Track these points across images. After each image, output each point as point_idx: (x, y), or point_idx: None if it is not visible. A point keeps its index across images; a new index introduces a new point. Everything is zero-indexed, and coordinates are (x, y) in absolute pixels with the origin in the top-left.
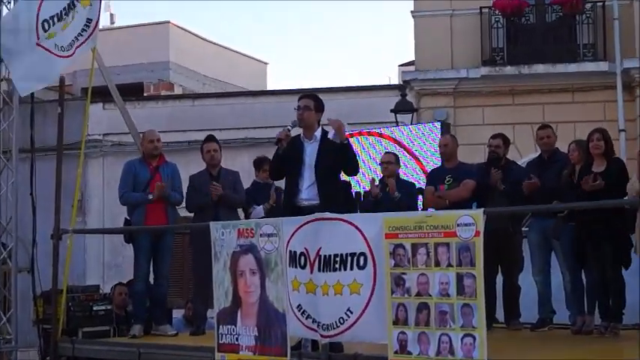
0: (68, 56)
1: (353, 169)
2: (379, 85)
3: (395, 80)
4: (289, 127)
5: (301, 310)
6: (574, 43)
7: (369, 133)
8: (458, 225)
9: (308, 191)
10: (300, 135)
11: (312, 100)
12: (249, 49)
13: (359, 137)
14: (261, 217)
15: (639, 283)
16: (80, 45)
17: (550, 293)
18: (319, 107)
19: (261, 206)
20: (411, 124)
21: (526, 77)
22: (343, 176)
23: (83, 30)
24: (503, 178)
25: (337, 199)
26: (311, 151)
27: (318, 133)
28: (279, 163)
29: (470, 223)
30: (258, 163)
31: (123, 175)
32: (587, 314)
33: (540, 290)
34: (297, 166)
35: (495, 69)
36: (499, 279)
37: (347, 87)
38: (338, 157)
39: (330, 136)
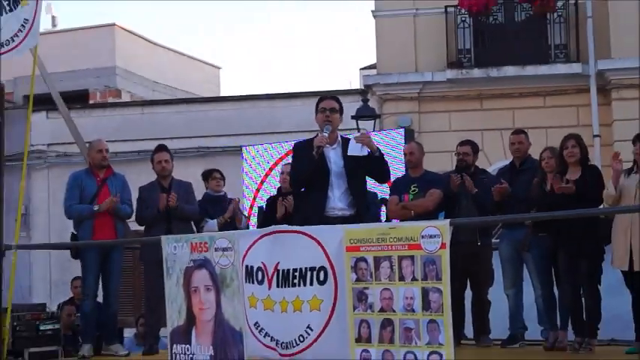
0: None
1: (387, 176)
2: (339, 90)
3: (356, 84)
4: (326, 133)
5: (259, 328)
6: (545, 43)
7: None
8: (422, 237)
9: (340, 200)
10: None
11: (336, 101)
12: (201, 53)
13: None
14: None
15: (615, 296)
16: (15, 47)
17: (522, 308)
18: (342, 109)
19: (214, 220)
20: (374, 131)
21: (495, 80)
22: None
23: (19, 31)
24: (474, 186)
25: (369, 208)
26: (335, 156)
27: (338, 137)
28: (310, 172)
29: (435, 235)
30: (207, 175)
31: (68, 188)
32: (560, 329)
33: (511, 305)
34: (324, 175)
35: (462, 72)
36: (468, 293)
37: (305, 92)
38: (362, 162)
39: (356, 152)
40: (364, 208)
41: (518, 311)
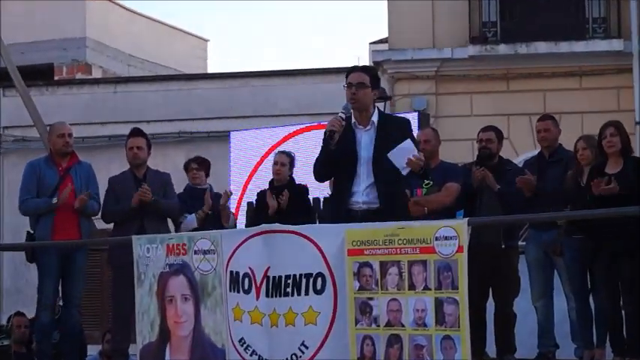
0: None
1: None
2: (345, 68)
3: (365, 61)
4: (342, 114)
5: (244, 345)
6: (582, 16)
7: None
8: (437, 238)
9: (367, 193)
10: (351, 120)
11: (366, 73)
12: (186, 23)
13: (318, 131)
14: (194, 229)
15: None
16: None
17: (552, 322)
18: (376, 82)
19: (193, 215)
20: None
21: (524, 58)
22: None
23: None
24: (497, 179)
25: (401, 202)
26: (367, 141)
27: (375, 117)
28: (331, 161)
29: (451, 237)
30: (187, 165)
31: (24, 179)
32: (596, 347)
33: (540, 319)
34: (351, 162)
35: (486, 48)
36: (489, 305)
37: (305, 70)
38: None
39: (396, 162)
40: (395, 202)
41: (548, 326)
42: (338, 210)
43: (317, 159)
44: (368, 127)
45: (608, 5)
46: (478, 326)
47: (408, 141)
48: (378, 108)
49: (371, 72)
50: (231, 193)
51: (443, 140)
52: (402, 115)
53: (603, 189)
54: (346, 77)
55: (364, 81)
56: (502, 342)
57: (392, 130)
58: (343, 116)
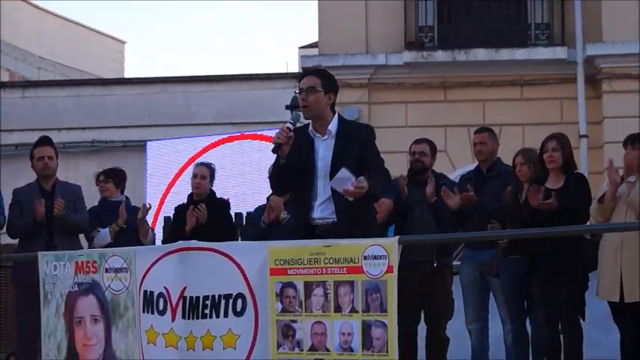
0: None
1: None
2: (272, 74)
3: (295, 67)
4: (290, 124)
5: None
6: (524, 22)
7: (258, 137)
8: (365, 257)
9: (322, 209)
10: (308, 128)
11: (317, 76)
12: (103, 24)
13: (242, 142)
14: (108, 244)
15: (600, 334)
16: None
17: (487, 347)
18: (331, 85)
19: (106, 229)
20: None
21: (462, 66)
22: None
23: None
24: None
25: (364, 216)
26: (325, 150)
27: (333, 124)
28: (284, 175)
29: (381, 255)
30: (96, 177)
31: None
32: None
33: (475, 343)
34: (307, 175)
35: (423, 54)
36: (421, 328)
37: (228, 75)
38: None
39: (336, 185)
40: (356, 216)
41: (482, 350)
42: (297, 226)
43: (271, 172)
44: (325, 137)
45: (551, 11)
46: (408, 351)
47: (343, 169)
48: (339, 114)
49: (323, 75)
50: (150, 207)
51: None
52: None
53: (542, 203)
54: (299, 81)
55: (315, 85)
56: None
57: (352, 140)
58: (291, 126)
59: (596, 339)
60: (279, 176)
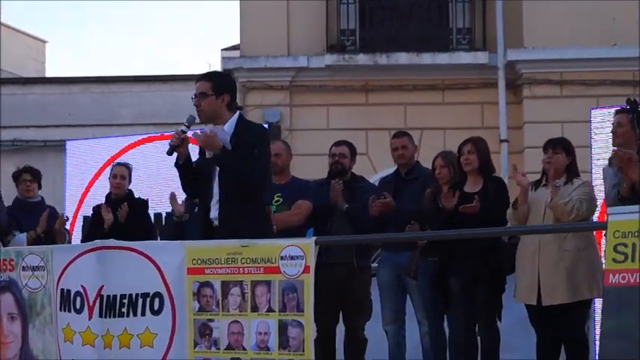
0: None
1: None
2: (191, 75)
3: (216, 68)
4: (185, 127)
5: None
6: (446, 27)
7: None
8: (282, 258)
9: (215, 210)
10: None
11: (207, 80)
12: (23, 23)
13: (162, 142)
14: None
15: (517, 336)
16: None
17: (404, 348)
18: (222, 87)
19: (23, 234)
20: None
21: (384, 69)
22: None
23: None
24: (348, 196)
25: (242, 218)
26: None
27: (229, 125)
28: (186, 177)
29: (297, 256)
30: (18, 176)
31: None
32: None
33: (392, 344)
34: (205, 174)
35: (344, 57)
36: (339, 329)
37: (150, 76)
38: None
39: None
40: (232, 219)
41: (399, 351)
42: (200, 226)
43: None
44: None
45: (473, 16)
46: (326, 351)
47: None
48: (240, 115)
49: (213, 78)
50: (67, 219)
51: (296, 155)
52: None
53: (466, 207)
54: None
55: (205, 90)
56: None
57: (241, 140)
58: (185, 129)
59: (513, 342)
60: (180, 178)
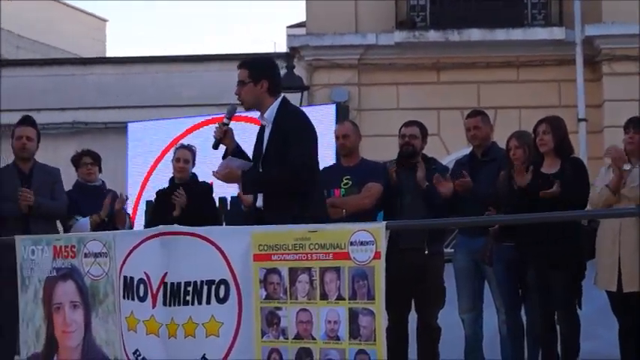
0: None
1: None
2: (258, 54)
3: (282, 47)
4: (226, 119)
5: (139, 357)
6: (520, 1)
7: (242, 119)
8: (352, 243)
9: (261, 197)
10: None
11: (244, 68)
12: (83, 2)
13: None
14: None
15: (598, 324)
16: None
17: (481, 336)
18: (259, 73)
19: (86, 219)
20: (301, 106)
21: (455, 46)
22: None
23: None
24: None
25: (284, 201)
26: (266, 138)
27: (270, 112)
28: None
29: (368, 241)
30: (77, 159)
31: None
32: None
33: (468, 333)
34: (256, 161)
35: (414, 34)
36: (412, 317)
37: (212, 55)
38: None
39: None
40: (274, 202)
41: (476, 341)
42: (249, 213)
43: None
44: (267, 124)
45: None
46: (398, 340)
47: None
48: (282, 100)
49: (250, 65)
50: (127, 198)
51: (365, 136)
52: (311, 108)
53: (545, 193)
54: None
55: (243, 79)
56: (425, 358)
57: (280, 128)
58: (226, 121)
59: (595, 330)
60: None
